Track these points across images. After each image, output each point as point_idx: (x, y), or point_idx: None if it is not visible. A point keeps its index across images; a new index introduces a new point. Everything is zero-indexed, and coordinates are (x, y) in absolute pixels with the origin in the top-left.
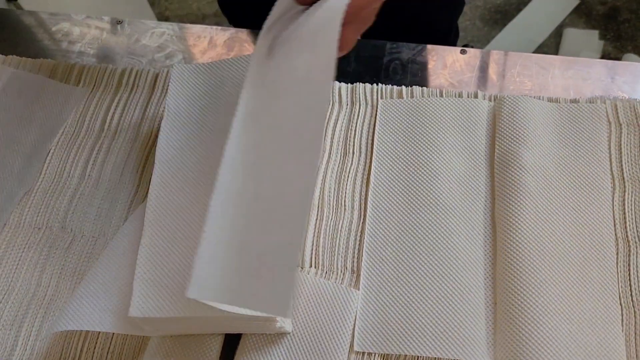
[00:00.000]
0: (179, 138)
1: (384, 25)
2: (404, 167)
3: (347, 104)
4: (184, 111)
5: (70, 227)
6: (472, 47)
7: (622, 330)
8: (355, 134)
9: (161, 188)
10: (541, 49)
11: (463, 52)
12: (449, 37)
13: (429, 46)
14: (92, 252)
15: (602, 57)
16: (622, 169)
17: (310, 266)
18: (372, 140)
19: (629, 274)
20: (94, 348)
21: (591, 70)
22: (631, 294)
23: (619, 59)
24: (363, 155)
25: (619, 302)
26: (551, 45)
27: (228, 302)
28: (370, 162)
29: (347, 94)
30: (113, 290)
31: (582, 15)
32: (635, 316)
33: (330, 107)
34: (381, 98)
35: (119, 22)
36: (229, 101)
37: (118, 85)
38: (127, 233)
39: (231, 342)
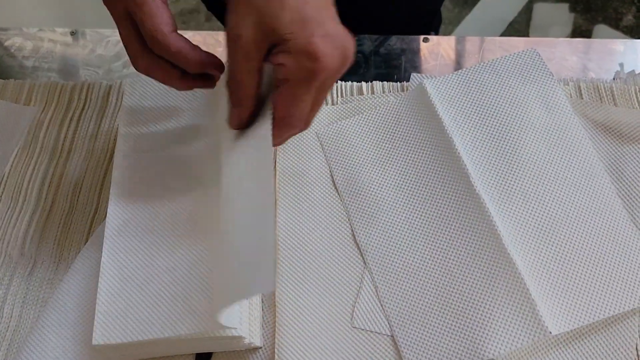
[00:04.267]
0: (135, 158)
1: (370, 12)
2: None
3: None
4: (140, 127)
5: (30, 253)
6: (434, 34)
7: None
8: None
9: (119, 210)
10: (512, 26)
11: (426, 40)
12: (433, 22)
13: (392, 37)
14: (54, 278)
15: (574, 30)
16: None
17: None
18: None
19: None
20: None
21: (556, 50)
22: None
23: (590, 30)
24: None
25: None
26: (522, 21)
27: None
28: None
29: None
30: (75, 317)
31: None
32: None
33: None
34: (341, 96)
35: (73, 33)
36: (189, 120)
37: (70, 101)
38: (87, 256)
39: None
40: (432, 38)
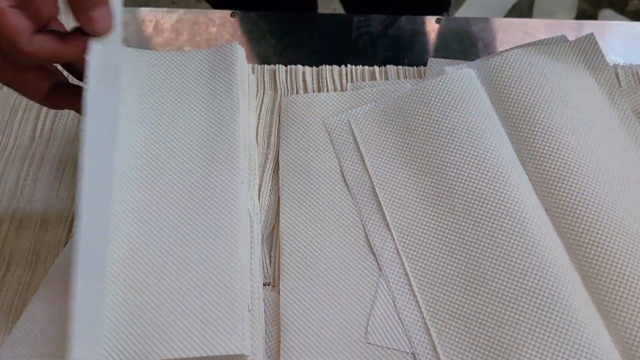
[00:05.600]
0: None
1: None
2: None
3: (313, 91)
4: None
5: (3, 255)
6: (447, 15)
7: None
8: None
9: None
10: (515, 9)
11: (439, 21)
12: (444, 2)
13: (401, 17)
14: (30, 283)
15: (578, 15)
16: None
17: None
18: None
19: None
20: None
21: (579, 33)
22: None
23: (595, 15)
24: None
25: None
26: (525, 5)
27: None
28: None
29: (312, 79)
30: (52, 332)
31: None
32: None
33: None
34: (351, 81)
35: None
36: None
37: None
38: (66, 260)
39: None
40: (446, 19)
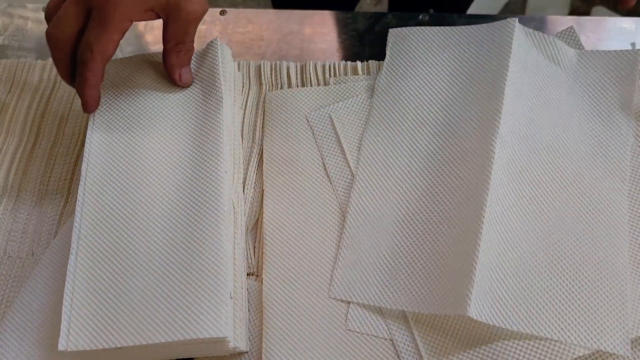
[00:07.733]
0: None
1: None
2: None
3: (297, 86)
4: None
5: None
6: (433, 11)
7: None
8: None
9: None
10: (508, 7)
11: (424, 17)
12: None
13: (387, 14)
14: (20, 275)
15: (571, 12)
16: None
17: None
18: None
19: None
20: None
21: (563, 28)
22: None
23: (587, 13)
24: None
25: None
26: (518, 1)
27: None
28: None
29: (296, 74)
30: (41, 319)
31: None
32: None
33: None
34: (334, 76)
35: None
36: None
37: (39, 81)
38: (56, 251)
39: None
40: (432, 15)
